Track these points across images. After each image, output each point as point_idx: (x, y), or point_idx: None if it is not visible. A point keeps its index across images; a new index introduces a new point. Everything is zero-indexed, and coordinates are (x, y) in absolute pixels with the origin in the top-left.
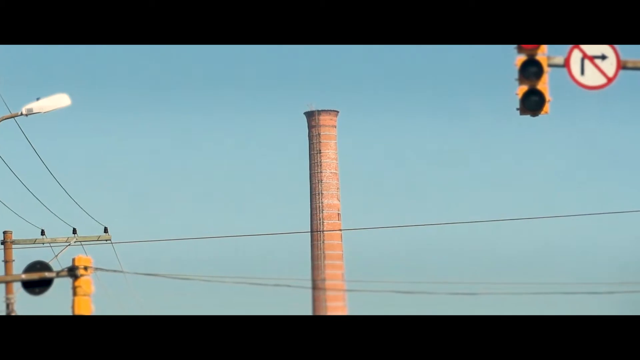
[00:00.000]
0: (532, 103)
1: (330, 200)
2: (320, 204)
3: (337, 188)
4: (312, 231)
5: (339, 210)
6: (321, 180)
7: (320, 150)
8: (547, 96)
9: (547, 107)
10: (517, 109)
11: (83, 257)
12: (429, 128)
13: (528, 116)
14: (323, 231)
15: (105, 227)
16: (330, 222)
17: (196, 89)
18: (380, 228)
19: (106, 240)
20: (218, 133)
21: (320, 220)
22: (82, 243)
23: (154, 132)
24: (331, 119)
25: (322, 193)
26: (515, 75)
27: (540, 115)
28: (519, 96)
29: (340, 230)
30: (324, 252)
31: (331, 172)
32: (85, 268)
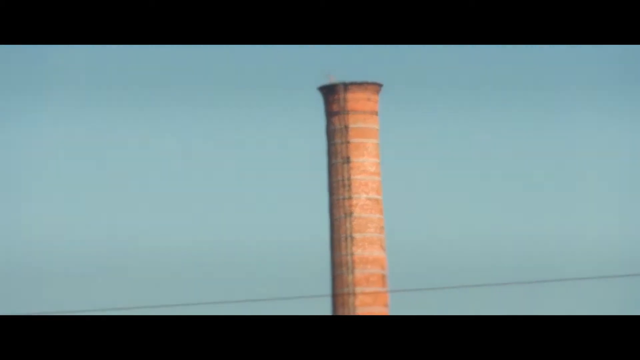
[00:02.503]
0: None
1: (368, 252)
2: (350, 260)
3: (381, 228)
4: (335, 313)
5: (383, 269)
6: (350, 213)
7: (349, 158)
8: None
9: None
10: None
11: None
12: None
13: None
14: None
15: None
16: (369, 288)
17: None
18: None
19: None
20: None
21: (351, 299)
22: None
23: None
24: (369, 99)
25: (352, 238)
26: None
27: None
28: None
29: (387, 302)
30: None
31: (369, 199)
32: None
